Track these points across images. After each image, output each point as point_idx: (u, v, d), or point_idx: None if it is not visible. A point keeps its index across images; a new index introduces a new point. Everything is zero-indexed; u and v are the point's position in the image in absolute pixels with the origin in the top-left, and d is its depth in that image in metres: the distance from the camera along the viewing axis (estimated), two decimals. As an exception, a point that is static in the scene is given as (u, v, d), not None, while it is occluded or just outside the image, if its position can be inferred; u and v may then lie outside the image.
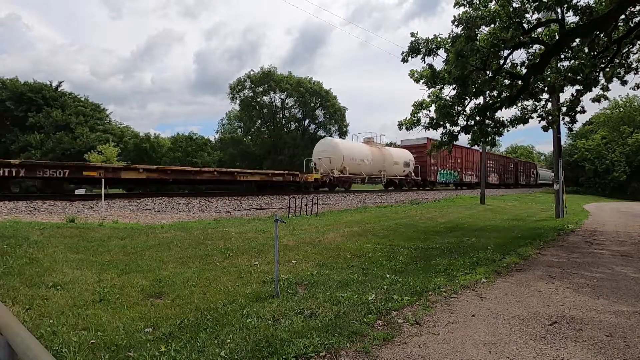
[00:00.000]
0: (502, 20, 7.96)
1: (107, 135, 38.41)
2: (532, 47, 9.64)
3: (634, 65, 9.82)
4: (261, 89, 42.14)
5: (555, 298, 3.99)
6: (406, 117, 9.75)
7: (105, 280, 4.18)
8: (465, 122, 10.00)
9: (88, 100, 42.39)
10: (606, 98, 10.78)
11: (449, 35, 8.45)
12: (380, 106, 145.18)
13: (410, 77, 9.45)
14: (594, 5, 8.38)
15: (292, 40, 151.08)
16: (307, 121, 44.94)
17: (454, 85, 9.09)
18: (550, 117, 10.46)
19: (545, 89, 10.02)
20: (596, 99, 10.63)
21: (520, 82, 9.41)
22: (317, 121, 44.58)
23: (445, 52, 8.63)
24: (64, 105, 38.16)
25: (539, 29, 9.02)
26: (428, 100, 9.62)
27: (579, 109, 10.59)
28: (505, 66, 9.18)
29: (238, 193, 16.48)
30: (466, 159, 34.22)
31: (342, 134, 43.50)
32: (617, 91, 70.43)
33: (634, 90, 10.77)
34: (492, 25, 8.26)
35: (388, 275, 4.66)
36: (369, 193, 21.39)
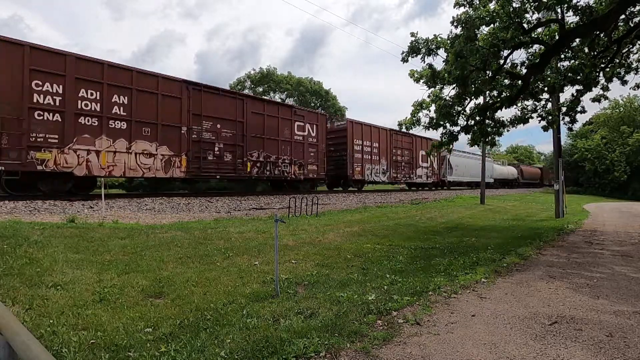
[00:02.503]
0: (502, 20, 7.96)
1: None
2: (532, 47, 9.65)
3: (634, 65, 9.83)
4: (261, 89, 42.17)
5: (555, 298, 3.99)
6: (406, 117, 9.78)
7: (105, 280, 4.18)
8: (465, 122, 10.01)
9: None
10: (606, 98, 10.79)
11: (449, 36, 8.46)
12: (380, 106, 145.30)
13: (410, 77, 9.46)
14: (594, 5, 8.38)
15: (292, 40, 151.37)
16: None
17: (454, 85, 9.09)
18: (550, 117, 10.46)
19: (545, 89, 10.02)
20: (596, 99, 10.63)
21: (520, 82, 9.41)
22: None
23: (445, 52, 8.64)
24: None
25: (539, 29, 9.03)
26: (428, 100, 9.63)
27: (579, 109, 10.60)
28: (505, 66, 9.18)
29: (238, 193, 16.49)
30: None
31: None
32: (617, 91, 70.41)
33: (634, 90, 10.79)
34: (492, 26, 8.26)
35: (388, 275, 4.66)
36: (369, 193, 21.39)
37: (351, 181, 21.55)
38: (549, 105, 10.80)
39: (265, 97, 15.28)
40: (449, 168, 31.26)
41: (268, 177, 16.74)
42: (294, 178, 17.77)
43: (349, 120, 21.71)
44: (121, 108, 12.05)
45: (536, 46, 9.65)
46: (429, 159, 28.48)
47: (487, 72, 8.95)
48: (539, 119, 10.64)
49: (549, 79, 9.70)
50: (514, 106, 10.12)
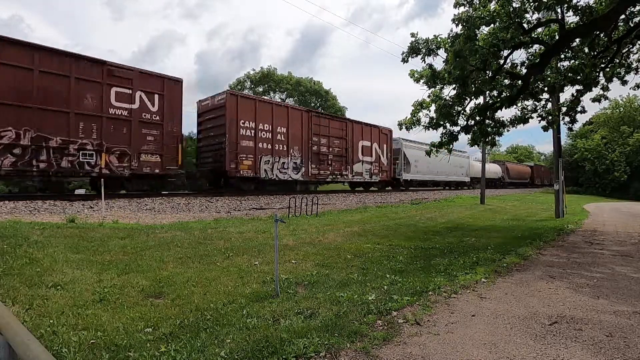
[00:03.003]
0: (502, 20, 7.96)
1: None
2: (532, 47, 9.65)
3: (634, 65, 9.83)
4: (261, 89, 42.20)
5: (555, 298, 3.99)
6: (406, 117, 9.77)
7: (105, 280, 4.18)
8: (465, 122, 10.01)
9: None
10: (606, 98, 10.80)
11: (449, 35, 8.46)
12: (380, 106, 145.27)
13: (411, 77, 9.46)
14: (594, 5, 8.38)
15: (292, 41, 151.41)
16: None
17: (454, 85, 9.09)
18: (550, 117, 10.46)
19: (545, 89, 10.03)
20: (596, 99, 10.64)
21: (520, 82, 9.41)
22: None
23: (445, 52, 8.64)
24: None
25: (539, 29, 9.02)
26: (428, 100, 9.63)
27: (579, 109, 10.61)
28: (505, 66, 9.18)
29: (238, 193, 16.49)
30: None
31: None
32: (617, 91, 70.17)
33: (634, 90, 10.79)
34: (492, 25, 8.26)
35: (388, 275, 4.66)
36: (369, 193, 21.38)
37: (236, 179, 15.81)
38: (549, 105, 10.80)
39: (39, 44, 10.46)
40: (406, 164, 24.35)
41: (43, 171, 10.65)
42: (106, 174, 11.79)
43: (229, 92, 15.58)
44: None
45: (536, 46, 9.64)
46: (373, 151, 21.79)
47: (487, 72, 8.95)
48: (539, 119, 10.65)
49: (549, 79, 9.71)
50: (514, 106, 10.12)
